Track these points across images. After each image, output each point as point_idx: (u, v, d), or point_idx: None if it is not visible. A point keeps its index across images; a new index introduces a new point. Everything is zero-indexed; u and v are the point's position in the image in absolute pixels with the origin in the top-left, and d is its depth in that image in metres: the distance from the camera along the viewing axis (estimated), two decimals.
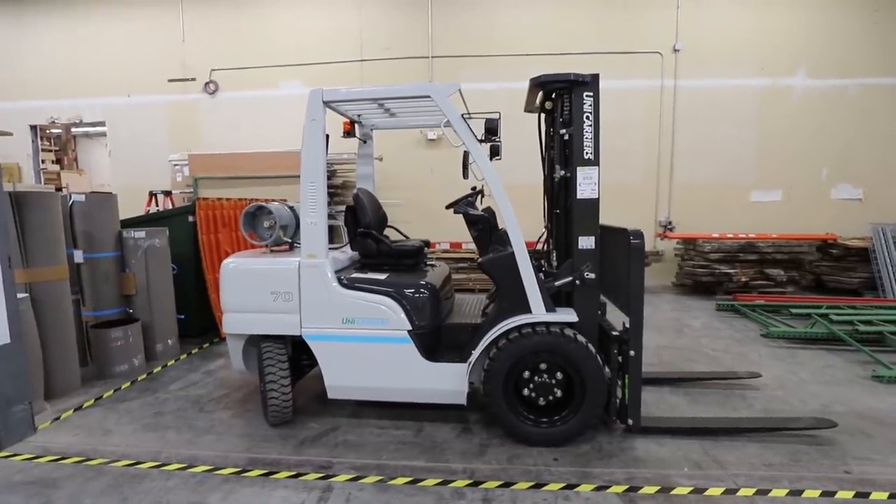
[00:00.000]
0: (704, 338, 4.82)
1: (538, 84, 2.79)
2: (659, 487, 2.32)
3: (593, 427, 2.85)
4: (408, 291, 2.86)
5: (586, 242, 2.78)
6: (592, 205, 2.77)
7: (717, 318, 5.59)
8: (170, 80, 8.38)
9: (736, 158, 7.61)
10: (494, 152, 3.65)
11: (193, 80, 8.37)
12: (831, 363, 4.05)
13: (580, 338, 2.62)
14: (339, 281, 2.89)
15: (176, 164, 7.92)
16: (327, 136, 2.96)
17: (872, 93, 7.44)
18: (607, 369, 2.71)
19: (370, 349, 2.84)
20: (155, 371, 4.02)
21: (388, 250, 3.19)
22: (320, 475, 2.48)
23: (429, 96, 2.76)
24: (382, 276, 2.96)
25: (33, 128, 8.80)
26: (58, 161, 11.21)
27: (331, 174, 7.80)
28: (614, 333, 2.72)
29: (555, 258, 3.06)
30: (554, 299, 2.86)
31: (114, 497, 2.31)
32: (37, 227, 3.37)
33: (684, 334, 4.96)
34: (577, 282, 2.76)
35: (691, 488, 2.31)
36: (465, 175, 2.83)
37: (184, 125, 8.44)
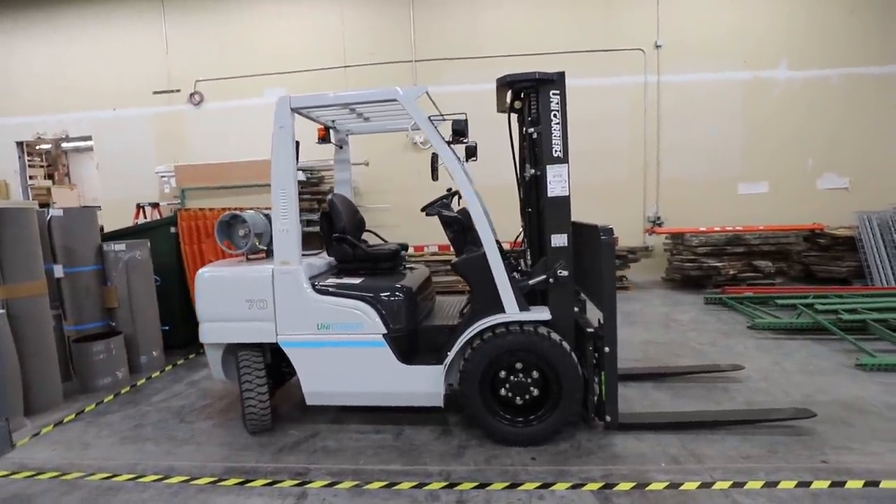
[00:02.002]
0: (691, 332, 4.82)
1: (504, 84, 2.80)
2: (635, 483, 2.31)
3: (573, 425, 2.85)
4: (382, 295, 2.86)
5: (559, 240, 2.78)
6: (563, 202, 2.77)
7: (706, 311, 5.58)
8: (155, 93, 8.39)
9: (722, 152, 7.63)
10: (471, 153, 3.66)
11: (178, 91, 8.38)
12: (816, 353, 4.05)
13: (554, 336, 2.62)
14: (314, 287, 2.88)
15: (163, 176, 7.92)
16: (297, 143, 2.97)
17: (855, 82, 7.47)
18: (581, 367, 2.70)
19: (346, 354, 2.83)
20: (139, 383, 4.01)
21: (364, 255, 3.19)
22: (296, 482, 2.46)
23: (395, 100, 2.76)
24: (356, 281, 2.96)
25: (20, 144, 8.80)
26: (49, 176, 11.24)
27: (318, 180, 7.81)
28: (589, 330, 2.72)
29: (529, 257, 3.06)
30: (530, 298, 2.87)
31: None
32: (13, 242, 3.36)
33: (672, 329, 4.96)
34: (551, 280, 2.76)
35: (667, 483, 2.30)
36: (435, 177, 2.84)
37: (170, 136, 8.45)
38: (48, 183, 10.63)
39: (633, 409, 3.11)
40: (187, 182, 7.72)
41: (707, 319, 5.23)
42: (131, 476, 2.59)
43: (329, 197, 3.35)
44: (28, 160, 9.79)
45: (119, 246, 4.12)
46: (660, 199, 7.82)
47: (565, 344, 2.62)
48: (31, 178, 9.39)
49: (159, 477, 2.57)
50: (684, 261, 6.58)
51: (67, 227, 3.96)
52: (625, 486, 2.30)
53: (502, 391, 2.71)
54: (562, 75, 2.74)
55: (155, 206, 7.75)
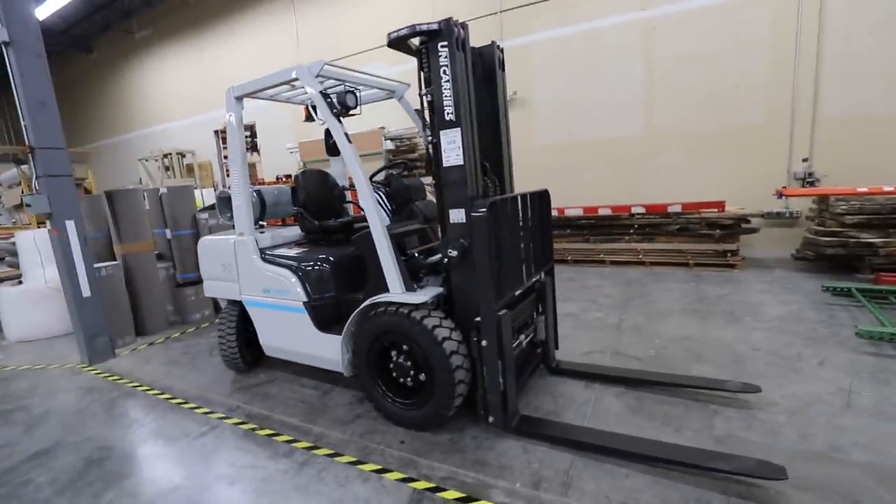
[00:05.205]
0: (761, 331, 3.62)
1: (389, 44, 2.55)
2: (463, 496, 2.07)
3: (476, 419, 2.61)
4: (304, 266, 3.07)
5: (457, 216, 2.51)
6: (459, 172, 2.46)
7: (819, 306, 4.04)
8: None
9: None
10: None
11: None
12: None
13: (427, 321, 2.43)
14: (262, 255, 3.28)
15: (291, 151, 9.48)
16: (253, 125, 3.31)
17: None
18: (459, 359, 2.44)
19: (281, 316, 3.17)
20: (216, 322, 5.18)
21: (315, 227, 3.42)
22: (221, 416, 2.99)
23: (297, 78, 2.82)
24: (294, 252, 3.22)
25: (216, 132, 11.61)
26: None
27: (409, 148, 8.23)
28: (476, 319, 2.42)
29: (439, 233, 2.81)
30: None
31: (106, 405, 3.27)
32: (125, 214, 4.70)
33: (737, 324, 3.81)
34: (445, 260, 2.53)
35: None
36: (330, 152, 2.83)
37: (301, 117, 9.95)
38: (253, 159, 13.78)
39: (565, 416, 2.66)
40: (307, 156, 9.07)
41: (807, 317, 3.81)
42: (146, 388, 3.53)
43: (296, 173, 3.65)
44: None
45: (204, 215, 5.29)
46: (815, 148, 5.72)
47: (439, 331, 2.41)
48: (226, 157, 12.35)
49: (158, 392, 3.43)
50: (821, 234, 4.78)
51: (172, 201, 5.27)
52: (450, 494, 2.09)
53: (391, 370, 2.68)
54: (448, 23, 2.37)
55: (288, 177, 9.39)
